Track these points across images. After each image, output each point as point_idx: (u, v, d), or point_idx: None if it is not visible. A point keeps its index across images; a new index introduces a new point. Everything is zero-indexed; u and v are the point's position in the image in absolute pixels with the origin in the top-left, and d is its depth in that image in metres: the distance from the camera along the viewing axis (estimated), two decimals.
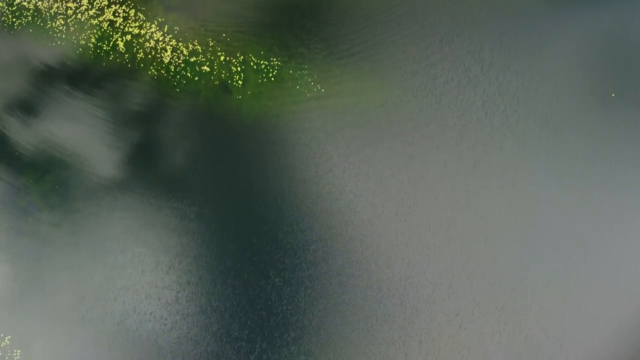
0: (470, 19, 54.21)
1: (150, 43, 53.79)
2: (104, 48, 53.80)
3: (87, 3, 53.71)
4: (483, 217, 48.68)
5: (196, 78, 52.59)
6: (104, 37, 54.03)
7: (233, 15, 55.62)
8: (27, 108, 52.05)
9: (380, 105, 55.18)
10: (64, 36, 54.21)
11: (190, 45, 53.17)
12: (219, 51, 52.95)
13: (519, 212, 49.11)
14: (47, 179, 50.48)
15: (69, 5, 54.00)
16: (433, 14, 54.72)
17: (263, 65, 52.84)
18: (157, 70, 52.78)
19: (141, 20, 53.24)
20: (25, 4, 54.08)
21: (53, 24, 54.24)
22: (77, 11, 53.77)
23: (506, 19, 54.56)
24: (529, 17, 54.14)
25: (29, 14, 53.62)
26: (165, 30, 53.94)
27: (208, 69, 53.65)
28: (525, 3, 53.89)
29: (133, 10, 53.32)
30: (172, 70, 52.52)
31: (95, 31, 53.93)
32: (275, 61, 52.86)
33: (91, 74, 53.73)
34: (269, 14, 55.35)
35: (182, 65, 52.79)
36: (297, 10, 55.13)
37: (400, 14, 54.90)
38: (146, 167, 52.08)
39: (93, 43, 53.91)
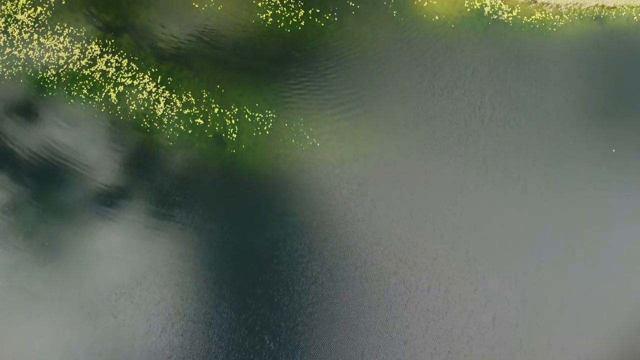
0: (470, 71, 54.52)
1: (143, 94, 53.96)
2: (96, 99, 53.96)
3: (79, 52, 53.94)
4: (483, 279, 48.63)
5: (190, 131, 52.69)
6: (95, 88, 54.18)
7: (228, 65, 55.88)
8: (13, 162, 52.19)
9: (378, 160, 55.34)
10: (55, 87, 54.32)
11: (184, 97, 53.34)
12: (213, 103, 53.10)
13: (520, 277, 49.09)
14: (37, 234, 50.46)
15: (60, 54, 54.22)
16: (433, 65, 55.05)
17: (258, 118, 52.99)
18: (149, 122, 52.91)
19: (134, 71, 53.46)
20: (16, 53, 54.34)
21: (44, 74, 54.41)
22: (69, 61, 53.99)
23: (507, 72, 54.89)
24: (529, 70, 54.49)
25: (19, 63, 53.83)
26: (159, 80, 54.14)
27: (202, 122, 53.77)
28: (526, 57, 54.28)
29: (126, 60, 53.55)
30: (165, 122, 52.64)
31: (87, 82, 54.11)
32: (270, 113, 53.03)
33: (82, 128, 53.85)
34: (265, 63, 55.66)
35: (176, 117, 52.93)
36: (293, 61, 55.45)
37: (399, 66, 55.21)
38: (137, 221, 52.09)
39: (85, 94, 54.08)
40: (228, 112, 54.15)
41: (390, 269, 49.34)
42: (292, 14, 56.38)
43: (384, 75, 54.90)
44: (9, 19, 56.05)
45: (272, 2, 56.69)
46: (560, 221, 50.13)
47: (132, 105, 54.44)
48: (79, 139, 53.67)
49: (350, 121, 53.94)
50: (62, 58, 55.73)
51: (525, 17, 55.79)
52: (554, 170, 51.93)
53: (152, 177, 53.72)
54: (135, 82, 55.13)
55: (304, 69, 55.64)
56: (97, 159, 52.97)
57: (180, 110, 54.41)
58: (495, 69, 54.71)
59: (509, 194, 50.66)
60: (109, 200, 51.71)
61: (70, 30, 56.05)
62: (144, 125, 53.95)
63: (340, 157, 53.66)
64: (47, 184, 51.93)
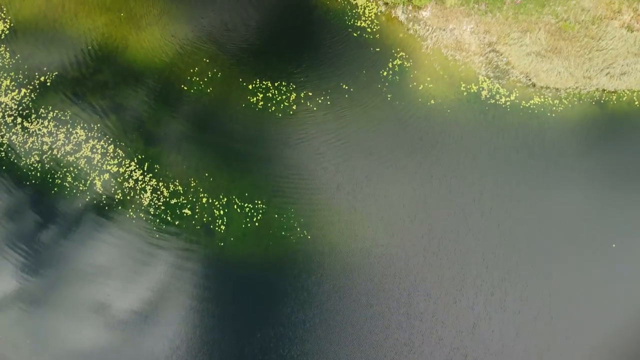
0: (470, 159, 53.15)
1: (129, 183, 52.40)
2: (81, 188, 52.38)
3: (64, 137, 52.54)
4: None
5: (177, 222, 51.03)
6: (80, 175, 52.68)
7: (217, 150, 54.47)
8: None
9: (372, 252, 53.48)
10: (38, 174, 52.77)
11: (171, 186, 51.77)
12: (202, 192, 51.55)
13: None
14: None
15: (44, 140, 52.83)
16: (431, 152, 53.58)
17: (247, 209, 51.37)
18: (135, 213, 51.26)
19: (120, 157, 51.99)
20: None
21: (27, 160, 52.95)
22: (53, 146, 52.55)
23: (507, 160, 53.43)
24: (529, 158, 53.14)
25: (1, 149, 52.40)
26: (145, 168, 52.61)
27: (189, 212, 52.08)
28: (525, 144, 53.09)
29: (112, 146, 52.11)
30: (152, 212, 50.99)
31: (71, 169, 52.57)
32: (260, 204, 51.44)
33: (66, 219, 52.11)
34: (256, 149, 54.30)
35: (162, 208, 51.28)
36: (285, 147, 54.11)
37: (394, 152, 53.80)
38: (126, 321, 50.08)
39: (69, 182, 52.53)
40: (217, 202, 52.47)
41: None
42: (284, 97, 55.13)
43: (379, 162, 53.53)
44: None
45: (263, 84, 55.48)
46: (563, 326, 48.28)
47: (118, 195, 52.81)
48: (62, 233, 52.00)
49: (341, 213, 52.22)
50: (46, 143, 54.24)
51: (523, 102, 54.61)
52: (556, 270, 50.19)
53: (140, 270, 51.91)
54: (121, 170, 53.54)
55: (295, 155, 54.15)
56: (83, 255, 51.26)
57: (168, 200, 52.75)
58: (495, 157, 53.40)
59: (510, 294, 48.81)
60: (91, 301, 49.92)
61: (55, 114, 54.75)
62: (130, 216, 52.20)
63: (331, 248, 51.84)
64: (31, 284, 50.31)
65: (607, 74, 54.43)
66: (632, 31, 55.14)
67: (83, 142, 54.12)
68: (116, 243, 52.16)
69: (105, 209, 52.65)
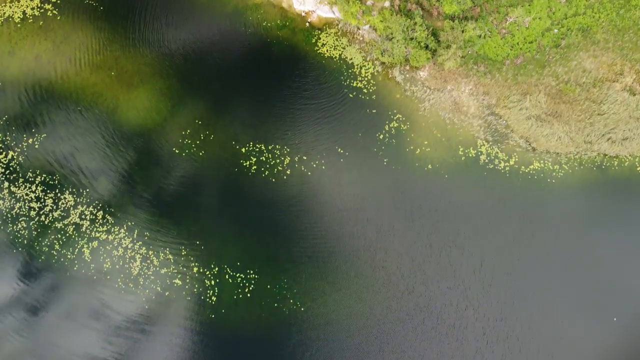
0: (470, 229, 52.18)
1: (118, 251, 51.19)
2: (69, 256, 51.20)
3: (52, 203, 51.36)
4: None
5: (167, 293, 49.84)
6: (68, 243, 51.55)
7: (208, 214, 53.46)
8: None
9: (368, 327, 52.13)
10: (25, 241, 51.50)
11: (162, 254, 50.57)
12: (193, 261, 50.41)
13: None
14: None
15: (32, 205, 51.63)
16: (430, 221, 52.48)
17: (239, 279, 50.21)
18: (124, 283, 49.94)
19: (110, 224, 50.74)
20: None
21: (14, 227, 51.72)
22: (41, 212, 51.34)
23: (507, 228, 52.43)
24: (529, 225, 52.23)
25: None
26: (135, 235, 51.41)
27: (180, 282, 50.84)
28: (525, 211, 52.25)
29: (101, 212, 50.92)
30: (141, 282, 49.72)
31: (59, 236, 51.30)
32: (252, 274, 50.34)
33: (55, 290, 50.74)
34: (248, 214, 53.11)
35: (152, 277, 50.15)
36: (278, 213, 52.99)
37: (392, 221, 52.68)
38: None
39: (57, 250, 51.32)
40: (208, 272, 51.25)
41: None
42: (278, 161, 54.02)
43: (376, 230, 52.58)
44: None
45: (257, 147, 54.40)
46: None
47: (107, 264, 51.56)
48: (48, 305, 50.75)
49: (336, 283, 50.99)
50: (34, 209, 52.99)
51: (523, 167, 53.62)
52: (557, 339, 48.97)
53: (128, 341, 50.51)
54: (110, 237, 52.28)
55: (289, 221, 52.97)
56: (68, 334, 49.99)
57: (158, 269, 51.54)
58: (495, 225, 52.44)
59: None
60: None
61: (43, 178, 53.59)
62: (118, 285, 50.87)
63: (326, 321, 50.56)
64: None
65: (608, 139, 53.44)
66: (634, 94, 54.21)
67: (72, 208, 52.90)
68: (104, 314, 50.85)
69: (93, 278, 51.34)
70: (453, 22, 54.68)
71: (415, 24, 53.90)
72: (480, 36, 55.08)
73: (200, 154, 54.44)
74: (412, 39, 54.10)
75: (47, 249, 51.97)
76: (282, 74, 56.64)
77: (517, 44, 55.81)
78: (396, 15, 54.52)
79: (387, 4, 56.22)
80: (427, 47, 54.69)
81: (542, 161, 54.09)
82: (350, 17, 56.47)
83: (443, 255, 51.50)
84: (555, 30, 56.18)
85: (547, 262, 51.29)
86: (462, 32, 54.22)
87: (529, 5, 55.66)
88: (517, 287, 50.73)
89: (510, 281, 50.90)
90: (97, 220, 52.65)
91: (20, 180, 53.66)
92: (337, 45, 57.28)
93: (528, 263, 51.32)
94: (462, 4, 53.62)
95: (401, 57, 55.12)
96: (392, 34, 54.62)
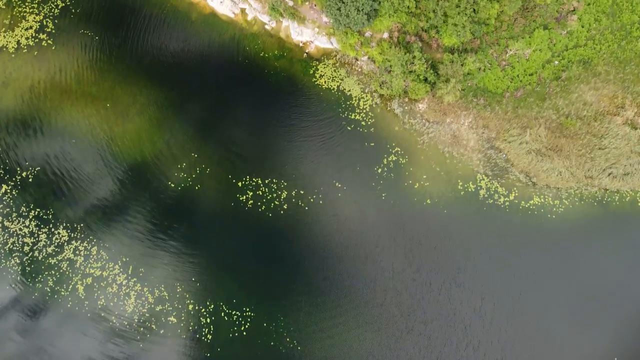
0: (470, 266, 51.73)
1: (112, 288, 50.74)
2: (62, 293, 50.68)
3: (46, 238, 50.93)
4: None
5: (162, 331, 49.19)
6: (62, 279, 51.15)
7: (203, 251, 53.03)
8: None
9: None
10: (19, 278, 50.99)
11: (156, 291, 50.11)
12: (188, 298, 49.99)
13: None
14: None
15: (25, 240, 51.16)
16: (430, 258, 52.03)
17: (235, 317, 49.73)
18: (118, 320, 49.31)
19: (104, 260, 50.26)
20: None
21: (7, 262, 51.14)
22: (35, 248, 50.85)
23: (507, 264, 51.91)
24: (529, 262, 51.88)
25: None
26: (130, 271, 50.94)
27: (175, 320, 50.29)
28: (526, 247, 51.86)
29: (95, 247, 50.48)
30: (136, 321, 49.08)
31: (53, 272, 50.79)
32: (248, 311, 49.87)
33: (48, 329, 50.15)
34: (244, 251, 52.57)
35: (147, 315, 49.65)
36: (274, 249, 52.40)
37: (391, 259, 52.22)
38: None
39: (50, 287, 50.83)
40: (203, 310, 50.74)
41: None
42: (274, 195, 53.46)
43: (374, 267, 52.01)
44: None
45: (254, 182, 53.87)
46: None
47: (101, 300, 51.06)
48: (41, 343, 50.16)
49: (334, 319, 50.43)
50: (28, 244, 52.47)
51: (523, 202, 53.11)
52: None
53: None
54: (104, 274, 51.74)
55: (286, 258, 52.33)
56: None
57: (152, 306, 51.02)
58: (496, 262, 51.98)
59: None
60: None
61: (37, 212, 53.10)
62: (113, 323, 50.31)
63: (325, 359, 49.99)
64: None
65: (609, 174, 52.90)
66: (635, 128, 53.68)
67: (65, 244, 52.37)
68: (98, 353, 50.28)
69: (87, 315, 50.77)
70: (452, 55, 54.12)
71: (414, 57, 53.33)
72: (480, 69, 54.50)
73: (196, 187, 53.91)
74: (411, 72, 53.52)
75: (40, 286, 51.48)
76: (279, 107, 56.08)
77: (518, 76, 55.24)
78: (395, 47, 53.95)
79: (385, 35, 55.65)
80: (426, 80, 54.15)
81: (542, 196, 53.54)
82: (349, 49, 55.90)
83: (443, 293, 50.96)
84: (556, 62, 55.62)
85: (548, 299, 50.74)
86: (462, 65, 53.66)
87: (529, 37, 55.10)
88: (518, 325, 50.22)
89: (511, 319, 50.34)
90: (91, 256, 52.12)
91: (14, 214, 53.14)
92: (335, 77, 56.72)
93: (529, 300, 50.78)
94: (461, 36, 53.02)
95: (400, 89, 54.58)
96: (390, 66, 54.05)
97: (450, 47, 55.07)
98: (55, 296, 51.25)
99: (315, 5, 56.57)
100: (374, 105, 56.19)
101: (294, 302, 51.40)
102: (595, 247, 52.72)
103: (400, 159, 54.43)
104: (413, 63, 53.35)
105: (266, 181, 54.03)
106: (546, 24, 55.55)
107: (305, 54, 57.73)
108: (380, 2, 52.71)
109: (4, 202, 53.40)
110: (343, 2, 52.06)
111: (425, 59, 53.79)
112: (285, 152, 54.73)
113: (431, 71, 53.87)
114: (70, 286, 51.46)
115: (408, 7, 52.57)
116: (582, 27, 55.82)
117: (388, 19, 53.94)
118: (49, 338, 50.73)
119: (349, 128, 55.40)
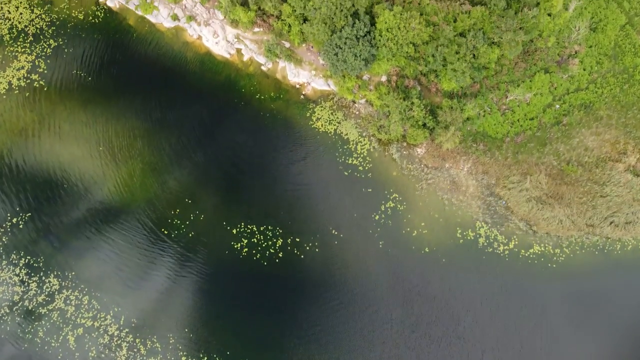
0: (470, 318, 51.09)
1: (104, 339, 50.05)
2: (53, 344, 49.77)
3: (36, 287, 50.03)
4: None
5: None
6: (52, 330, 50.32)
7: (197, 298, 52.23)
8: None
9: None
10: (8, 328, 50.18)
11: (149, 342, 49.65)
12: (180, 350, 49.20)
13: None
14: None
15: (16, 289, 50.35)
16: (429, 311, 51.39)
17: None
18: None
19: (95, 310, 49.52)
20: None
21: None
22: (25, 297, 50.10)
23: (507, 316, 51.14)
24: (530, 313, 51.26)
25: None
26: (122, 322, 50.19)
27: None
28: (526, 297, 51.24)
29: (87, 296, 49.75)
30: None
31: (43, 322, 49.91)
32: None
33: None
34: (238, 300, 51.73)
35: None
36: (270, 299, 51.57)
37: (390, 308, 51.54)
38: None
39: (40, 337, 50.06)
40: None
41: None
42: (270, 243, 52.64)
43: (371, 319, 50.87)
44: None
45: (249, 229, 53.07)
46: None
47: (92, 352, 50.25)
48: None
49: None
50: (18, 293, 51.63)
51: (522, 251, 52.38)
52: None
53: None
54: (96, 324, 50.89)
55: (281, 309, 51.54)
56: None
57: (144, 358, 50.33)
58: (496, 312, 51.49)
59: None
60: None
61: (27, 260, 52.34)
62: None
63: None
64: None
65: (611, 223, 52.16)
66: (637, 176, 52.99)
67: (56, 293, 51.50)
68: None
69: None
70: (452, 100, 53.33)
71: (412, 104, 52.51)
72: (479, 115, 53.67)
73: (190, 235, 53.04)
74: (409, 118, 52.68)
75: (30, 337, 50.61)
76: (275, 151, 55.33)
77: (518, 120, 54.46)
78: (393, 92, 53.16)
79: (384, 78, 54.81)
80: (424, 125, 53.34)
81: (542, 244, 52.77)
82: (346, 92, 55.09)
83: (443, 346, 50.18)
84: (557, 106, 54.85)
85: (551, 353, 49.92)
86: (461, 111, 52.86)
87: (530, 81, 54.30)
88: None
89: None
90: (82, 306, 51.24)
91: (4, 262, 52.28)
92: (333, 120, 55.90)
93: (531, 354, 49.92)
94: (461, 82, 52.21)
95: (398, 134, 53.78)
96: (389, 111, 53.24)
97: (449, 92, 54.29)
98: (46, 347, 50.37)
99: (312, 47, 55.73)
100: (371, 150, 55.36)
101: (290, 353, 50.53)
102: (597, 297, 51.95)
103: (398, 206, 53.60)
104: (411, 109, 52.52)
105: (261, 228, 53.17)
106: (547, 67, 54.76)
107: (302, 95, 56.92)
108: (378, 48, 51.85)
109: None
110: (340, 48, 51.24)
111: (424, 104, 53.00)
112: (280, 197, 53.92)
113: (430, 117, 53.07)
114: (61, 337, 50.60)
115: (407, 52, 51.74)
116: (584, 70, 55.04)
117: (386, 63, 53.11)
118: None
119: (346, 173, 54.57)
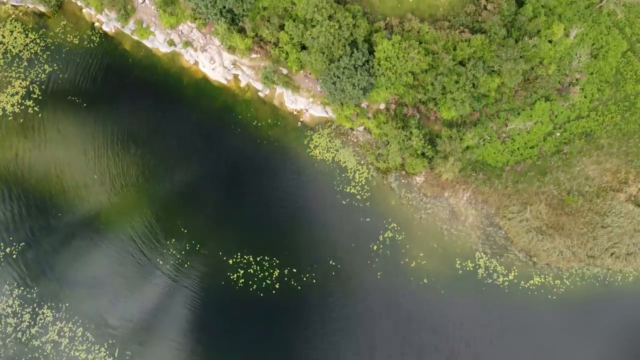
0: (470, 351, 51.06)
1: None
2: None
3: (29, 319, 49.46)
4: None
5: None
6: None
7: (192, 333, 51.38)
8: None
9: None
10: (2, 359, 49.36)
11: None
12: None
13: None
14: None
15: (9, 321, 49.80)
16: (429, 342, 51.04)
17: None
18: None
19: (89, 342, 49.02)
20: None
21: None
22: (18, 329, 49.43)
23: (509, 352, 50.31)
24: (530, 345, 50.33)
25: None
26: (116, 355, 49.46)
27: None
28: (526, 331, 50.57)
29: (80, 328, 49.30)
30: None
31: (37, 355, 49.24)
32: None
33: None
34: (234, 331, 51.15)
35: None
36: (266, 331, 50.99)
37: (389, 345, 50.78)
38: None
39: None
40: None
41: None
42: (266, 274, 52.08)
43: (370, 355, 50.11)
44: None
45: (245, 259, 52.53)
46: None
47: None
48: None
49: None
50: (10, 325, 51.06)
51: (522, 282, 51.85)
52: None
53: None
54: (90, 357, 50.30)
55: (276, 343, 50.94)
56: None
57: None
58: (496, 345, 51.53)
59: None
60: None
61: (20, 291, 51.84)
62: None
63: None
64: None
65: (612, 254, 51.63)
66: (639, 206, 52.29)
67: (50, 324, 50.94)
68: None
69: None
70: (451, 129, 52.74)
71: (411, 133, 51.92)
72: (479, 143, 53.09)
73: (186, 265, 52.46)
74: (408, 147, 52.10)
75: None
76: (272, 179, 54.91)
77: (518, 149, 53.86)
78: (392, 121, 52.57)
79: (382, 106, 54.22)
80: (423, 154, 52.74)
81: (542, 276, 52.22)
82: (344, 120, 54.52)
83: None
84: (558, 134, 54.28)
85: None
86: (461, 140, 52.25)
87: (531, 109, 53.70)
88: None
89: None
90: (76, 338, 50.67)
91: None
92: (331, 147, 55.32)
93: None
94: (460, 111, 51.61)
95: (397, 163, 53.21)
96: (387, 140, 52.65)
97: (449, 120, 53.68)
98: None
99: (309, 74, 55.14)
100: (369, 178, 54.79)
101: None
102: (599, 329, 51.40)
103: (397, 236, 53.05)
104: (410, 139, 51.95)
105: (258, 259, 52.61)
106: (548, 95, 54.17)
107: (299, 122, 56.33)
108: (376, 77, 51.26)
109: None
110: (338, 77, 50.66)
111: (423, 134, 52.44)
112: (276, 227, 53.39)
113: (429, 146, 52.50)
114: None
115: (406, 81, 51.15)
116: (585, 97, 54.45)
117: (385, 91, 52.52)
118: None
119: (344, 202, 54.01)
